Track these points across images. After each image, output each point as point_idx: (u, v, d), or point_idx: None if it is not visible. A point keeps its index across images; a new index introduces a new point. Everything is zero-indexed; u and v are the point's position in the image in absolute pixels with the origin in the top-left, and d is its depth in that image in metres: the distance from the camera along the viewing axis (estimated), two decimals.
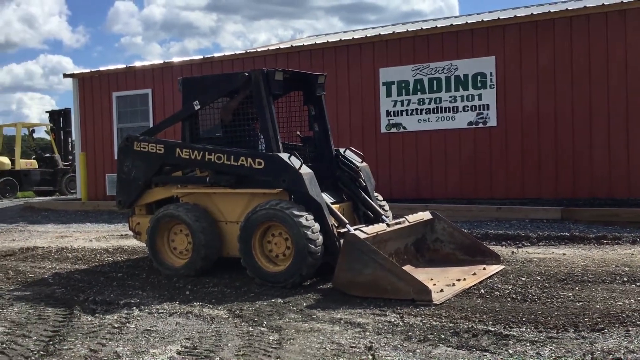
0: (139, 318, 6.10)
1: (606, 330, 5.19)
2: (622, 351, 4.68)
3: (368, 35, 14.96)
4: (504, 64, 12.85)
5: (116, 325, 5.85)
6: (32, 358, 5.03)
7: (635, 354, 4.61)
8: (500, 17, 13.34)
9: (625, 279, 7.04)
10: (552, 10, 12.77)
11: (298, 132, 8.84)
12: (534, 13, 13.00)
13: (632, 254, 8.65)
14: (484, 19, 13.59)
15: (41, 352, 5.17)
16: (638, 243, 9.43)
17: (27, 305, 6.78)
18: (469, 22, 13.73)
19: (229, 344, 5.20)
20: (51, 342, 5.41)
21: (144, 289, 7.40)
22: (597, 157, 12.10)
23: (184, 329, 5.69)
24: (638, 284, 6.83)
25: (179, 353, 5.03)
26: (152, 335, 5.53)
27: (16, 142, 25.09)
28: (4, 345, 5.37)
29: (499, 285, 6.91)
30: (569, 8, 12.68)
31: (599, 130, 12.08)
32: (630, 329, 5.22)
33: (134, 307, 6.49)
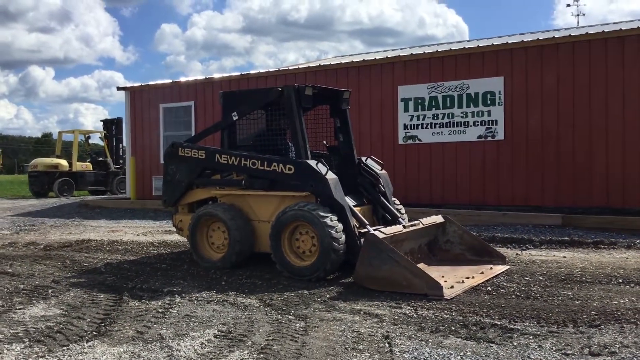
0: (180, 304, 6.15)
1: (603, 327, 5.12)
2: (617, 346, 4.62)
3: (388, 56, 14.94)
4: (511, 83, 12.73)
5: (160, 310, 5.90)
6: (86, 337, 5.10)
7: (629, 349, 4.55)
8: (509, 42, 13.24)
9: (620, 281, 6.94)
10: (556, 36, 12.65)
11: (325, 142, 8.86)
12: (540, 38, 12.89)
13: (627, 258, 8.51)
14: (494, 43, 13.50)
15: (94, 333, 5.23)
16: (632, 248, 9.29)
17: (82, 290, 6.87)
18: (480, 45, 13.64)
19: (260, 330, 5.22)
20: (103, 324, 5.48)
21: (185, 279, 7.46)
22: (595, 169, 11.93)
23: (220, 315, 5.72)
24: (632, 285, 6.73)
25: (215, 336, 5.06)
26: (192, 320, 5.57)
27: (73, 147, 25.44)
28: (62, 325, 5.45)
29: (505, 284, 6.85)
30: (572, 34, 12.55)
31: (597, 145, 11.91)
32: (624, 325, 5.14)
33: (176, 295, 6.54)
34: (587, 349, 4.56)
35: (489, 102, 12.91)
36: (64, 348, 4.82)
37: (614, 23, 15.60)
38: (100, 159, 25.91)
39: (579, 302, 6.00)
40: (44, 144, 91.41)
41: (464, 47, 13.77)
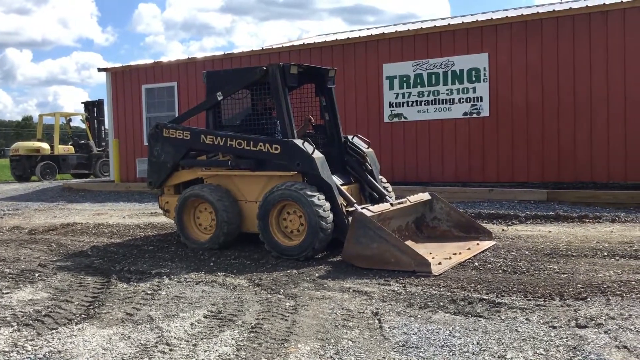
0: (169, 286, 6.16)
1: (589, 299, 5.20)
2: (604, 317, 4.69)
3: (373, 34, 14.88)
4: (496, 59, 12.76)
5: (149, 292, 5.90)
6: (75, 320, 5.09)
7: (615, 320, 4.62)
8: (493, 17, 13.24)
9: (606, 254, 7.04)
10: (540, 12, 12.66)
11: (311, 119, 8.84)
12: (524, 14, 12.89)
13: (612, 232, 8.63)
14: (479, 19, 13.49)
15: (82, 315, 5.23)
16: (617, 222, 9.42)
17: (69, 274, 6.85)
18: (464, 22, 13.63)
19: (250, 309, 5.24)
20: (91, 307, 5.48)
21: (173, 261, 7.46)
22: (580, 145, 12.04)
23: (209, 296, 5.73)
24: (617, 258, 6.82)
25: (205, 317, 5.08)
26: (182, 301, 5.59)
27: (55, 130, 25.18)
28: (50, 309, 5.43)
29: (491, 259, 6.92)
30: (556, 9, 12.55)
31: (582, 120, 12.01)
32: (610, 298, 5.22)
33: (165, 276, 6.54)
34: (574, 321, 4.63)
35: (474, 78, 12.94)
36: (53, 331, 4.82)
37: None
38: (83, 141, 25.69)
39: (565, 275, 6.08)
40: (25, 127, 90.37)
41: (449, 24, 13.76)
